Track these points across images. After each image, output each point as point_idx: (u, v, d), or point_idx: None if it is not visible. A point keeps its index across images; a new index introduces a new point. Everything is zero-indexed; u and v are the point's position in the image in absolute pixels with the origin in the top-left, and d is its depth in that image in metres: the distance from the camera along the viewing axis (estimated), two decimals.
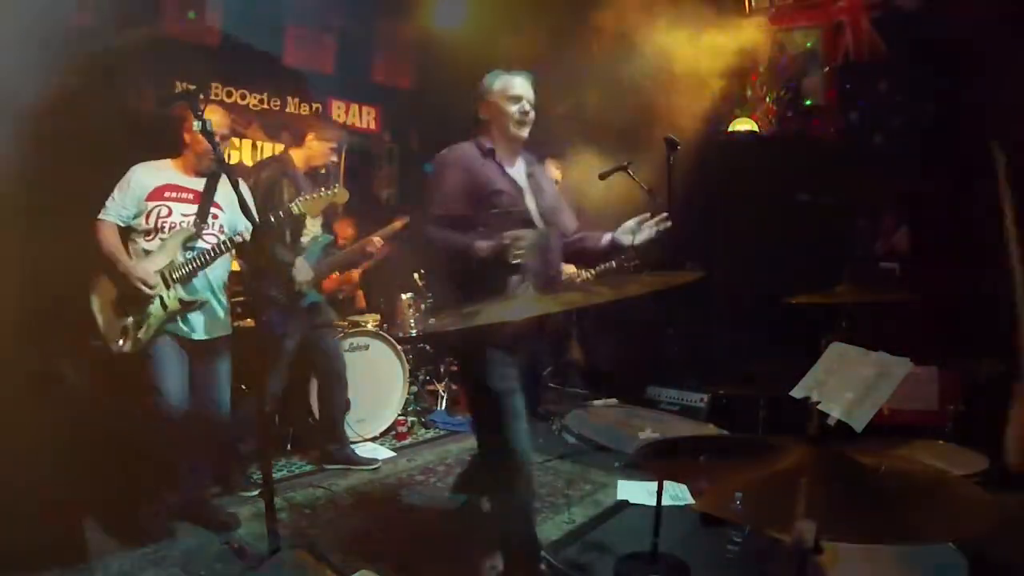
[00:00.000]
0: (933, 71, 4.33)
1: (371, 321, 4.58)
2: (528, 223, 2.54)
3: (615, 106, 4.67)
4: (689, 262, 3.85)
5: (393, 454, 4.04)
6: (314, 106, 5.37)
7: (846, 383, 1.76)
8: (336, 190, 2.82)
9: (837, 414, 1.65)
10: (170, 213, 2.93)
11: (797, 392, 1.84)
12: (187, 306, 2.91)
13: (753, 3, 5.30)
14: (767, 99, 5.25)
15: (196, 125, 2.32)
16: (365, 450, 4.05)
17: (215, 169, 2.94)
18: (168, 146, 3.05)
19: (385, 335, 4.39)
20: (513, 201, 2.54)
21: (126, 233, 2.95)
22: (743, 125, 5.21)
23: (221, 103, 4.71)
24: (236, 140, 4.90)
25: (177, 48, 4.33)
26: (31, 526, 2.59)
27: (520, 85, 2.59)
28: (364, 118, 5.75)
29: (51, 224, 3.14)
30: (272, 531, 2.05)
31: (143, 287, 2.83)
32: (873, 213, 4.67)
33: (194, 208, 2.97)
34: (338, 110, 5.58)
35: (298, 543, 2.89)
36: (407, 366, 4.48)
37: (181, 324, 2.94)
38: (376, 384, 4.30)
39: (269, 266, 3.33)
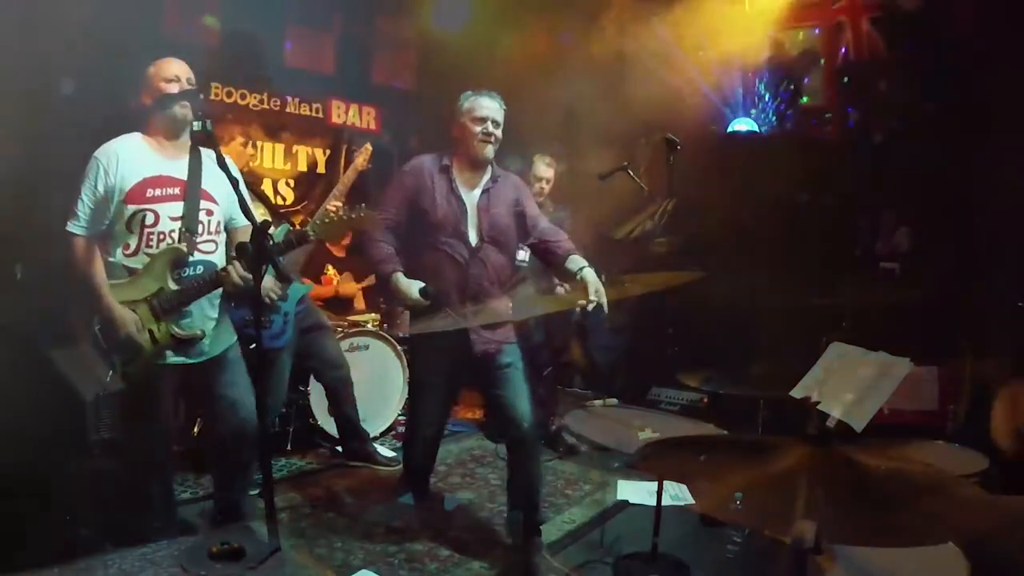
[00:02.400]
0: (933, 71, 4.33)
1: (371, 321, 4.57)
2: (461, 239, 2.71)
3: (614, 106, 4.67)
4: (689, 262, 3.85)
5: (393, 454, 4.02)
6: (314, 106, 5.36)
7: (846, 383, 1.76)
8: (363, 212, 2.42)
9: (837, 414, 1.65)
10: (156, 220, 2.33)
11: (797, 392, 1.84)
12: (181, 343, 2.39)
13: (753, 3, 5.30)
14: (767, 98, 5.25)
15: (196, 126, 2.27)
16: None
17: (193, 139, 2.42)
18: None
19: (385, 335, 4.38)
20: (447, 218, 2.70)
21: (102, 240, 2.35)
22: (743, 125, 5.21)
23: (221, 103, 4.71)
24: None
25: (177, 48, 4.31)
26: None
27: (486, 106, 2.72)
28: (364, 118, 5.73)
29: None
30: (272, 531, 2.05)
31: (131, 344, 2.30)
32: (873, 213, 4.67)
33: (182, 207, 2.37)
34: (338, 110, 5.56)
35: (298, 543, 2.90)
36: (407, 366, 4.46)
37: (174, 354, 2.41)
38: (376, 384, 4.29)
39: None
